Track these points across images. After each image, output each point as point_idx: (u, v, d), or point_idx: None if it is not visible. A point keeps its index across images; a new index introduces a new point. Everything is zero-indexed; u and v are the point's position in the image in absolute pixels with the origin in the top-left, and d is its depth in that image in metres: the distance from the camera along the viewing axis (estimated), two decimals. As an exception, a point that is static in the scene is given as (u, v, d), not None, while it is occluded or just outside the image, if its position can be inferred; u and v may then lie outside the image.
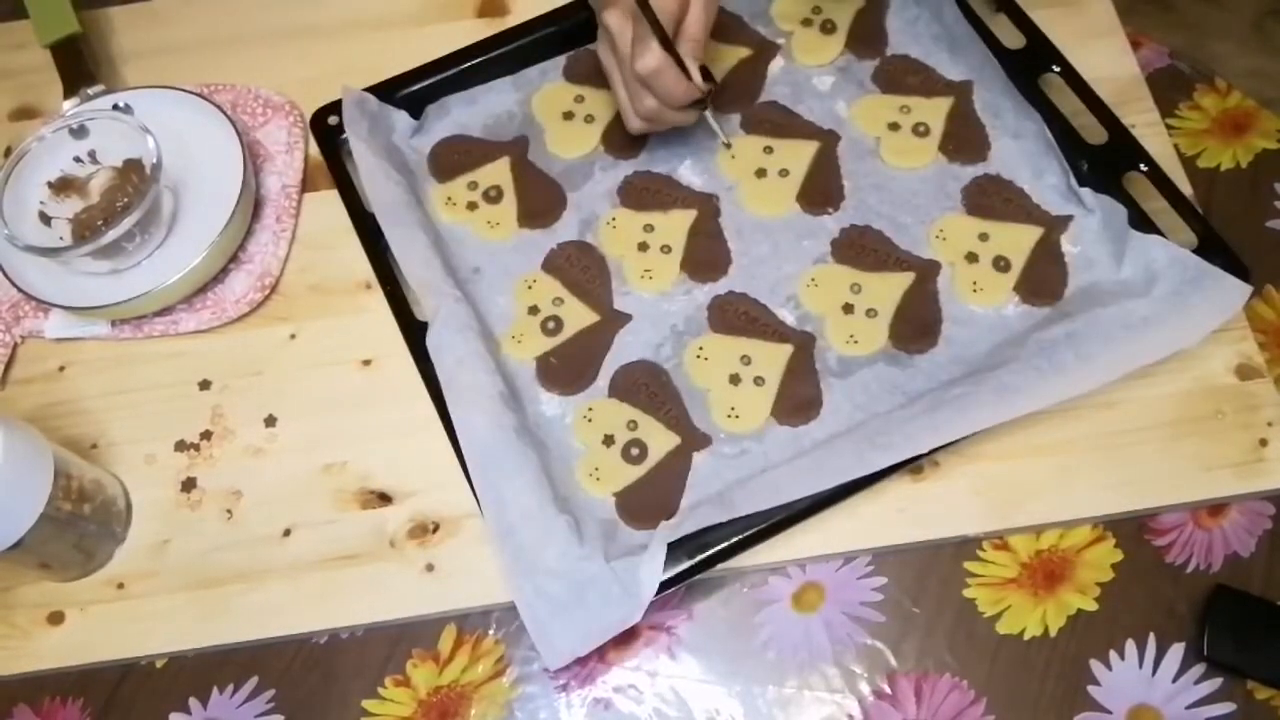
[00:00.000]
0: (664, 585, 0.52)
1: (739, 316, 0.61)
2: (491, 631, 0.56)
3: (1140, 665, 0.53)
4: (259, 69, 0.73)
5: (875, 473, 0.53)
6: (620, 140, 0.67)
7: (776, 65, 0.70)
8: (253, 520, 0.59)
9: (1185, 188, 0.62)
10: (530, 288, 0.63)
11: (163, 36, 0.76)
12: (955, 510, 0.56)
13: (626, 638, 0.55)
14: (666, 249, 0.64)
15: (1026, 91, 0.64)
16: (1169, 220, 0.60)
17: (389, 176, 0.64)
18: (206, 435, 0.61)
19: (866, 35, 0.70)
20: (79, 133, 0.65)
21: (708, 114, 0.63)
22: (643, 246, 0.64)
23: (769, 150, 0.66)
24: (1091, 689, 0.53)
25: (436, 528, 0.58)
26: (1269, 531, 0.56)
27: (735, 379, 0.59)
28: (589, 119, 0.69)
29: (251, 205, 0.66)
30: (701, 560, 0.53)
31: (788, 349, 0.60)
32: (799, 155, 0.66)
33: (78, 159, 0.65)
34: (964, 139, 0.66)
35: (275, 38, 0.75)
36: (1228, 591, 0.54)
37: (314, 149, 0.69)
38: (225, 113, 0.67)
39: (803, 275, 0.62)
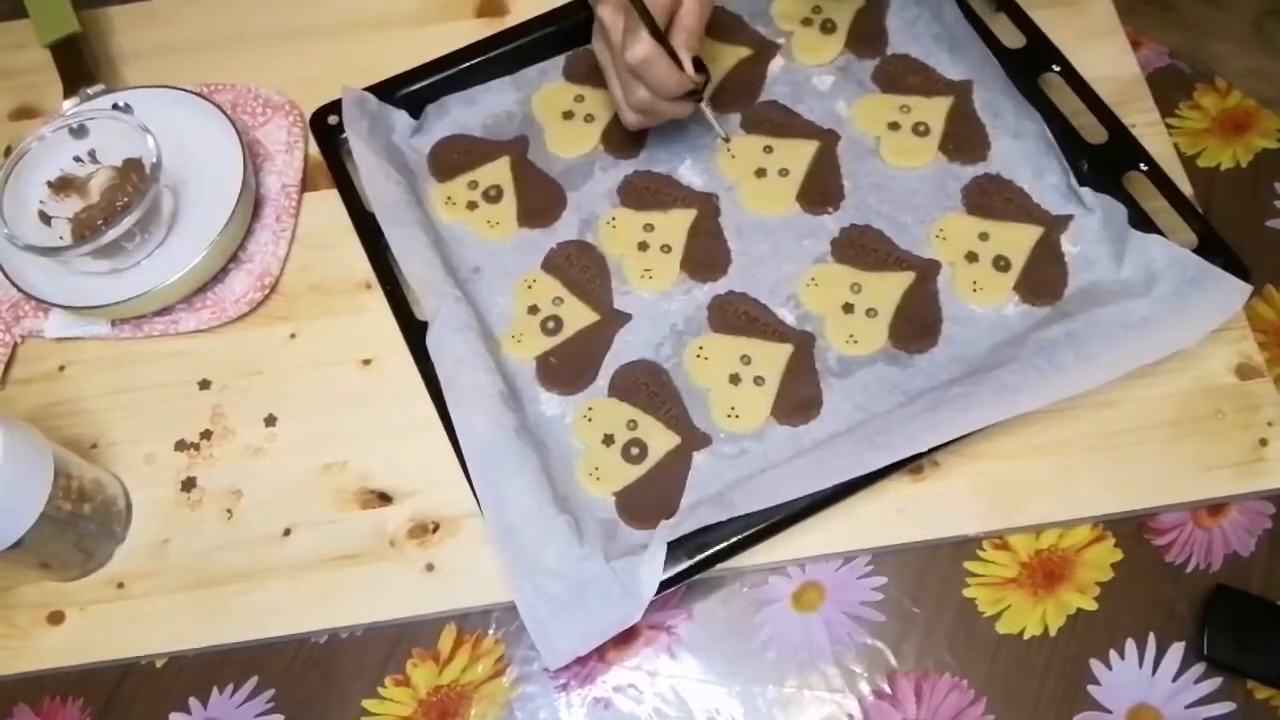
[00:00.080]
0: (664, 585, 0.52)
1: (739, 316, 0.61)
2: (491, 631, 0.56)
3: (1140, 665, 0.53)
4: (259, 69, 0.73)
5: (875, 472, 0.53)
6: (620, 140, 0.67)
7: (776, 65, 0.70)
8: (253, 520, 0.59)
9: (1185, 187, 0.62)
10: (530, 287, 0.63)
11: (162, 36, 0.76)
12: (955, 510, 0.56)
13: (626, 637, 0.55)
14: (666, 248, 0.64)
15: (1026, 91, 0.64)
16: (1169, 220, 0.60)
17: (389, 176, 0.64)
18: (206, 435, 0.61)
19: (866, 35, 0.70)
20: (79, 132, 0.65)
21: (705, 108, 0.63)
22: (643, 246, 0.64)
23: (769, 150, 0.66)
24: (1091, 689, 0.53)
25: (436, 527, 0.58)
26: (1269, 531, 0.56)
27: (735, 379, 0.59)
28: (589, 118, 0.69)
29: (251, 205, 0.66)
30: (701, 560, 0.53)
31: (788, 349, 0.60)
32: (799, 155, 0.66)
33: (78, 159, 0.65)
34: (964, 138, 0.66)
35: (275, 38, 0.75)
36: (1228, 591, 0.54)
37: (314, 149, 0.69)
38: (225, 112, 0.67)
39: (803, 275, 0.62)
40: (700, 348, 0.60)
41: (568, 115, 0.69)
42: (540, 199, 0.66)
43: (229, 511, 0.59)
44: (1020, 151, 0.65)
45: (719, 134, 0.66)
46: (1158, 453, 0.57)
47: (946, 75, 0.68)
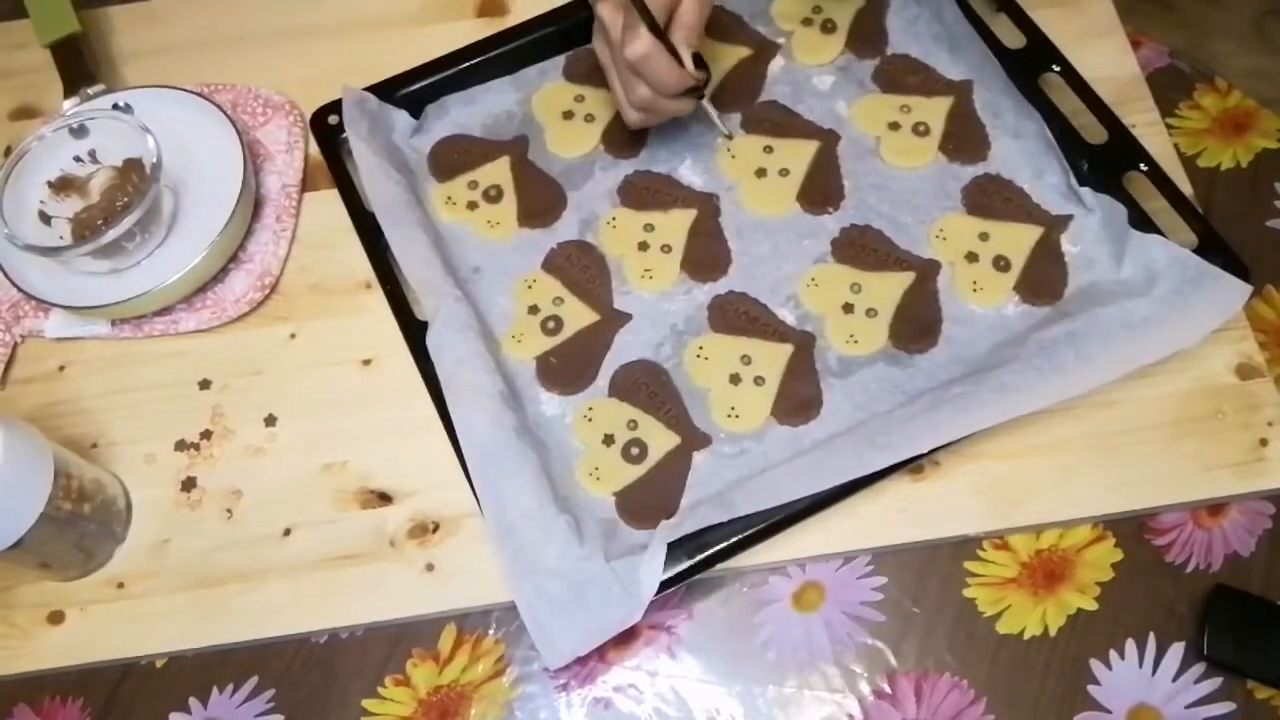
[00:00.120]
0: (664, 585, 0.52)
1: (739, 316, 0.61)
2: (491, 631, 0.56)
3: (1140, 665, 0.53)
4: (259, 69, 0.73)
5: (875, 472, 0.53)
6: (620, 139, 0.67)
7: (776, 65, 0.70)
8: (253, 520, 0.59)
9: (1185, 187, 0.62)
10: (530, 287, 0.63)
11: (162, 36, 0.76)
12: (955, 510, 0.56)
13: (626, 637, 0.55)
14: (666, 248, 0.64)
15: (1026, 91, 0.64)
16: (1169, 220, 0.60)
17: (389, 176, 0.64)
18: (206, 435, 0.61)
19: (867, 35, 0.70)
20: (79, 132, 0.65)
21: (706, 104, 0.63)
22: (643, 246, 0.64)
23: (769, 150, 0.66)
24: (1091, 688, 0.53)
25: (436, 527, 0.58)
26: (1269, 531, 0.56)
27: (735, 379, 0.59)
28: (589, 118, 0.69)
29: (251, 205, 0.66)
30: (701, 560, 0.53)
31: (788, 349, 0.60)
32: (799, 155, 0.66)
33: (78, 158, 0.65)
34: (964, 138, 0.66)
35: (275, 38, 0.75)
36: (1228, 591, 0.54)
37: (314, 148, 0.69)
38: (225, 112, 0.67)
39: (803, 275, 0.62)
40: (700, 348, 0.60)
41: (568, 115, 0.69)
42: (540, 199, 0.66)
43: (229, 511, 0.59)
44: (1020, 151, 0.65)
45: (721, 131, 0.66)
46: (1158, 453, 0.57)
47: (946, 75, 0.68)
